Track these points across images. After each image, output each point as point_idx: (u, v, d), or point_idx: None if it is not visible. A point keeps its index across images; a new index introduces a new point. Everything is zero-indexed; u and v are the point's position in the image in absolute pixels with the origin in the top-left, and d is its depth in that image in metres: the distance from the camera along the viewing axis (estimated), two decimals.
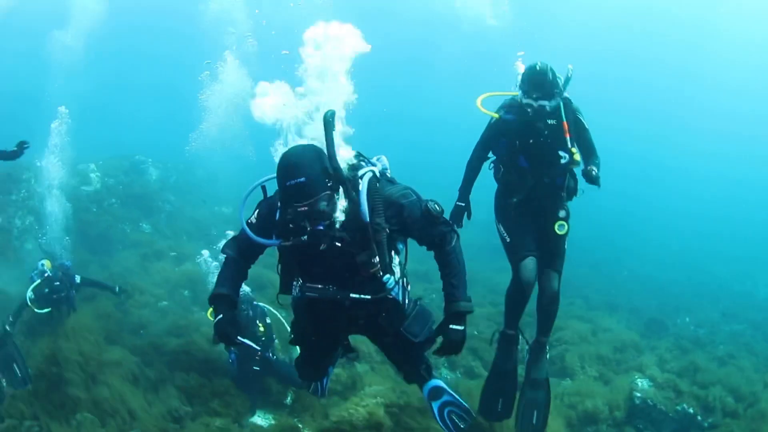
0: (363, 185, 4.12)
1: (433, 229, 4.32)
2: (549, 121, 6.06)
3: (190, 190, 21.55)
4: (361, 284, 4.30)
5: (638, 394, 8.71)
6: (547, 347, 6.68)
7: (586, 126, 6.29)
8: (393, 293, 4.39)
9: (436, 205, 4.25)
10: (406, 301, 4.60)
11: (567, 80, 6.11)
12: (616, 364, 11.07)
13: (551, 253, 6.34)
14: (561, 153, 6.12)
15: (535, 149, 6.17)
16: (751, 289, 23.28)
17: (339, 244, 4.08)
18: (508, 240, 6.41)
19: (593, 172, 6.02)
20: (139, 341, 9.55)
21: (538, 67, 5.94)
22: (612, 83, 51.22)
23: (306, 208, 3.88)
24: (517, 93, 6.15)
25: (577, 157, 6.04)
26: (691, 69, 52.21)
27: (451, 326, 4.31)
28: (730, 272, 25.05)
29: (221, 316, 4.27)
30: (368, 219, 4.06)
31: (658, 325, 15.57)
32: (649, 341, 13.41)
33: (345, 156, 4.23)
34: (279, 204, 4.19)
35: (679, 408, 8.52)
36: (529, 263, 6.20)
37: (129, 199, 18.71)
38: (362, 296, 4.30)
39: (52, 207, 14.95)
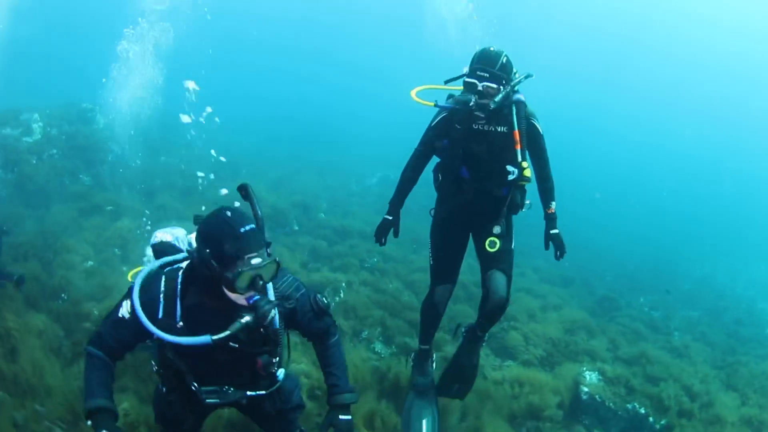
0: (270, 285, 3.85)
1: (319, 323, 4.17)
2: (498, 129, 5.42)
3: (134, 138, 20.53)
4: (256, 381, 4.06)
5: (585, 389, 7.95)
6: (484, 341, 6.29)
7: (541, 132, 5.57)
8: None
9: (323, 298, 4.12)
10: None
11: (523, 77, 5.46)
12: (565, 347, 10.33)
13: (489, 260, 5.79)
14: (509, 168, 5.51)
15: (479, 160, 5.54)
16: (710, 274, 22.66)
17: (236, 346, 3.78)
18: (431, 263, 6.17)
19: (558, 237, 5.74)
20: (62, 306, 8.66)
21: (492, 48, 5.34)
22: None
23: (260, 260, 3.50)
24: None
25: (528, 173, 5.46)
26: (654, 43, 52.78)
27: (340, 417, 4.15)
28: (689, 255, 24.42)
29: None
30: (278, 325, 3.86)
31: (611, 303, 15.03)
32: (601, 321, 12.75)
33: None
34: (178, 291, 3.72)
35: (629, 406, 7.79)
36: (441, 291, 6.04)
37: (71, 149, 17.62)
38: (258, 392, 4.10)
39: None
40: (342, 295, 10.77)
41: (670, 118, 51.87)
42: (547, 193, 5.78)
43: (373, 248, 14.29)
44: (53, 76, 34.79)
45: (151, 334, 3.65)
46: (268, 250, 3.65)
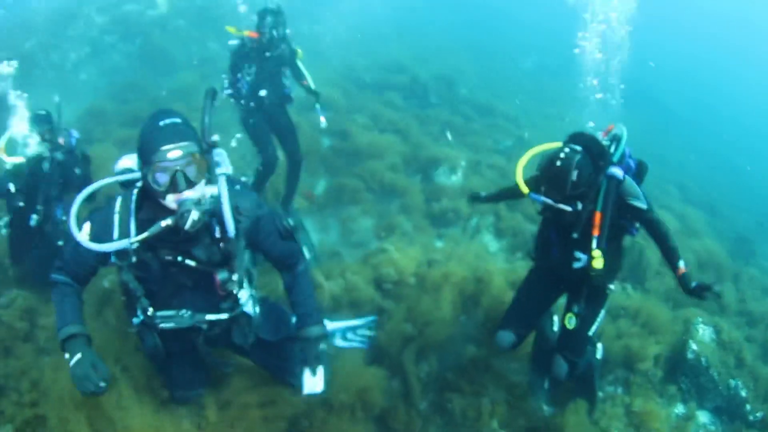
0: (223, 192, 3.55)
1: (284, 246, 3.94)
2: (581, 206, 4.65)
3: None
4: (216, 303, 3.84)
5: (694, 347, 7.02)
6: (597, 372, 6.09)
7: (641, 207, 4.67)
8: (246, 308, 3.99)
9: (287, 221, 3.87)
10: (256, 310, 4.15)
11: (609, 154, 4.76)
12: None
13: (564, 338, 5.32)
14: (578, 254, 4.92)
15: (565, 228, 4.83)
16: None
17: (194, 264, 3.64)
18: (512, 300, 5.70)
19: (701, 287, 4.49)
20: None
21: (558, 163, 4.55)
22: None
23: (179, 153, 3.27)
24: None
25: (598, 264, 4.67)
26: None
27: (310, 350, 3.95)
28: None
29: (80, 355, 3.41)
30: (233, 234, 3.60)
31: (747, 247, 13.76)
32: (734, 265, 11.71)
33: None
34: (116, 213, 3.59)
35: (732, 383, 6.88)
36: (504, 337, 5.48)
37: (201, 20, 17.22)
38: (219, 316, 3.90)
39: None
40: (459, 174, 10.20)
41: None
42: (669, 254, 4.75)
43: (513, 131, 13.45)
44: None
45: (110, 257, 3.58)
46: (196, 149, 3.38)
